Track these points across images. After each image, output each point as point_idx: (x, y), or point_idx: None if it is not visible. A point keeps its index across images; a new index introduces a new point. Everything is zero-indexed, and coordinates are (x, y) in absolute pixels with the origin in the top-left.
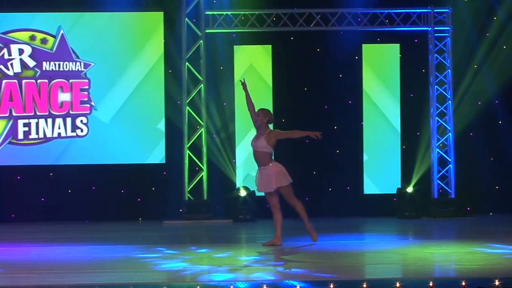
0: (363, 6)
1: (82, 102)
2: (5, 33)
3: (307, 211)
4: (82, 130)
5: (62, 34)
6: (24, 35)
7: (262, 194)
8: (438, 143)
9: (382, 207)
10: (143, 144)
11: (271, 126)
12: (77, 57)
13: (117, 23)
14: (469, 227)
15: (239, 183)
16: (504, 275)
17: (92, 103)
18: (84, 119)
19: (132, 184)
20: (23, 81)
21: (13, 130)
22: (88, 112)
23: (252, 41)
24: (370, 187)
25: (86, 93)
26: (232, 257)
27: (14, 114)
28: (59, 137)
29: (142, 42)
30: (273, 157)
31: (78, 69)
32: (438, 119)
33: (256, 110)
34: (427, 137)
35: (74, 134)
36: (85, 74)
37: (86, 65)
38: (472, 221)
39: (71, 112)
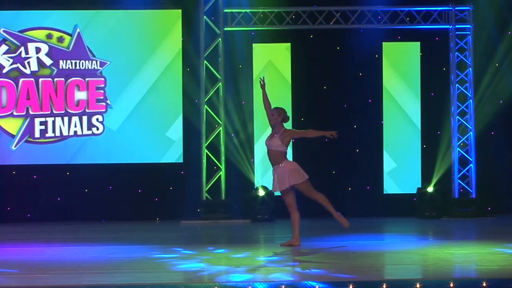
0: (384, 4)
1: (98, 101)
2: (21, 31)
3: None
4: (98, 129)
5: (79, 32)
6: (41, 34)
7: (280, 194)
8: (459, 142)
9: (402, 207)
10: (160, 143)
11: (287, 125)
12: (93, 55)
13: (134, 21)
14: (490, 227)
15: (257, 182)
16: None
17: (108, 102)
18: (100, 117)
19: (149, 184)
20: (40, 80)
21: (30, 128)
22: (104, 110)
23: (271, 39)
24: (390, 186)
25: (102, 91)
26: (250, 258)
27: (31, 112)
28: (75, 135)
29: (159, 40)
30: (291, 157)
31: (94, 67)
32: (459, 118)
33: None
34: (448, 136)
35: (90, 132)
36: (101, 72)
37: (102, 64)
38: (493, 221)
39: (87, 111)
